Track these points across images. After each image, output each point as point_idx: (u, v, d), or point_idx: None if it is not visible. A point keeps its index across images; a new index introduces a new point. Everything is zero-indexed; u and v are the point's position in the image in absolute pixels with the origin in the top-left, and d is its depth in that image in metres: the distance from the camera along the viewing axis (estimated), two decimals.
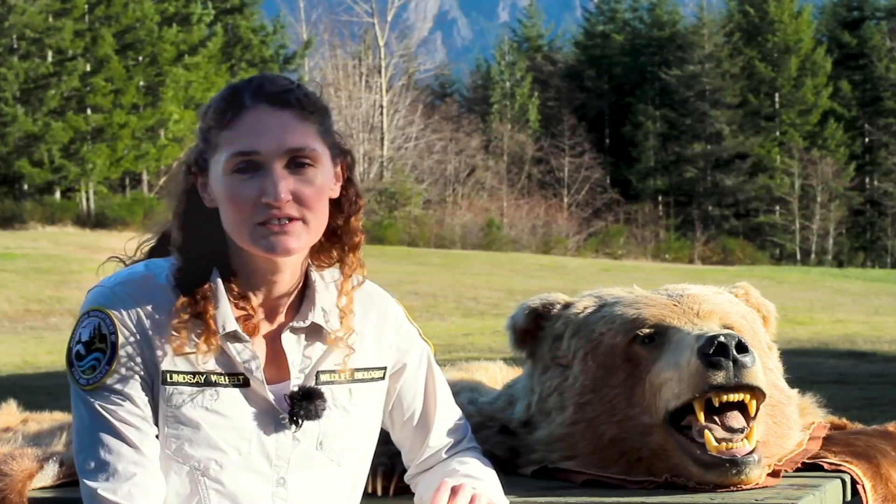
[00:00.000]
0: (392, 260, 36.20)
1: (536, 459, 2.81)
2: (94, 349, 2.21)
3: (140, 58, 47.57)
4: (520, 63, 63.12)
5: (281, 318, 2.31)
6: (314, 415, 2.26)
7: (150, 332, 2.21)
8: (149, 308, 2.22)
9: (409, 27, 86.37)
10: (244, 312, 2.27)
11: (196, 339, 2.21)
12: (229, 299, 2.26)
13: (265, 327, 2.30)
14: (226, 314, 2.24)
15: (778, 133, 59.25)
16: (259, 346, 2.28)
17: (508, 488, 2.54)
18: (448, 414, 2.51)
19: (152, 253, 2.40)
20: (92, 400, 2.20)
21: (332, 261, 2.35)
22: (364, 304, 2.39)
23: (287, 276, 2.28)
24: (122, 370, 2.20)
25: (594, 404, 2.73)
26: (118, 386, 2.20)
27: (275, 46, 54.85)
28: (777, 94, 59.60)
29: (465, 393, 3.07)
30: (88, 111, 46.05)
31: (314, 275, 2.33)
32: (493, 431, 2.90)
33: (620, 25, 64.94)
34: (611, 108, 62.47)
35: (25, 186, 45.61)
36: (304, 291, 2.33)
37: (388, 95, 54.76)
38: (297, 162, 2.21)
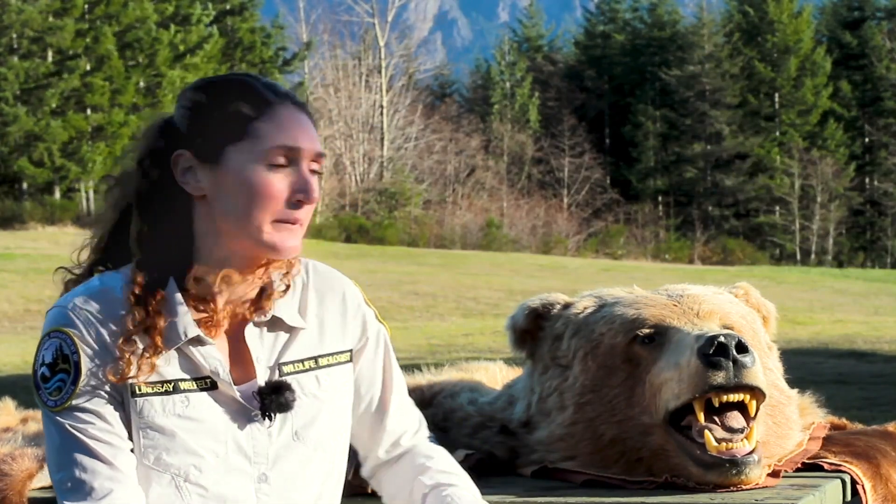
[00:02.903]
0: (392, 260, 36.21)
1: (536, 459, 2.81)
2: (58, 370, 2.20)
3: (139, 58, 47.54)
4: (520, 63, 63.12)
5: (242, 315, 2.29)
6: (286, 406, 2.25)
7: (113, 347, 2.19)
8: (108, 322, 2.20)
9: (409, 27, 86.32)
10: (205, 315, 2.25)
11: (146, 354, 2.19)
12: (189, 304, 2.23)
13: (227, 326, 2.28)
14: (186, 321, 2.22)
15: (778, 133, 59.25)
16: (222, 347, 2.27)
17: (508, 488, 2.53)
18: (404, 398, 2.49)
19: (103, 251, 2.34)
20: (62, 420, 2.19)
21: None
22: (321, 290, 2.37)
23: (261, 272, 2.28)
24: (89, 388, 2.19)
25: (594, 404, 2.73)
26: (86, 404, 2.19)
27: (274, 48, 54.79)
28: (777, 95, 59.60)
29: (465, 393, 3.07)
30: (88, 111, 46.04)
31: (272, 269, 2.32)
32: (493, 431, 2.90)
33: (621, 25, 64.95)
34: (611, 108, 62.48)
35: (25, 186, 45.60)
36: (263, 286, 2.31)
37: (388, 95, 54.78)
38: (314, 166, 2.25)
